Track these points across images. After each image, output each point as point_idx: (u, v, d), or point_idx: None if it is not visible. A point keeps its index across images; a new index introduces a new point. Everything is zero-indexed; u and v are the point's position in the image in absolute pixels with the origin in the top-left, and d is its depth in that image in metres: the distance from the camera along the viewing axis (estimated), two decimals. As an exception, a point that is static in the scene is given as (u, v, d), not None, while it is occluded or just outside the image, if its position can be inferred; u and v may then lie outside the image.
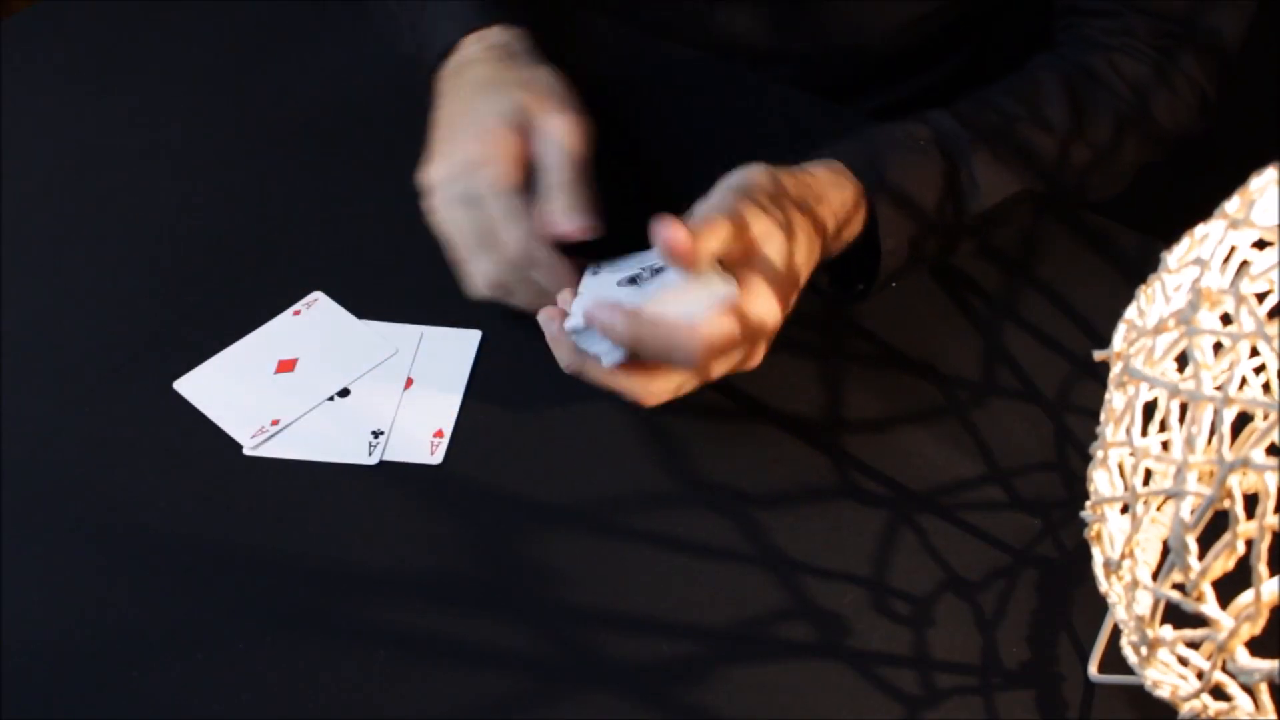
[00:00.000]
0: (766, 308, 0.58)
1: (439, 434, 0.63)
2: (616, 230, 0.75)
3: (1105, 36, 0.74)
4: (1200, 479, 0.46)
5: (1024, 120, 0.69)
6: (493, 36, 0.70)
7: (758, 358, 0.60)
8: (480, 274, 0.63)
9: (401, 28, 0.75)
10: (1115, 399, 0.50)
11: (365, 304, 0.69)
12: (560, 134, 0.63)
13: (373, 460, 0.62)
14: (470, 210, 0.62)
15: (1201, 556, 0.42)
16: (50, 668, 0.55)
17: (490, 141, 0.62)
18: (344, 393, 0.65)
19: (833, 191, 0.63)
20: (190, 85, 0.84)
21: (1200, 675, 0.45)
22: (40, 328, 0.69)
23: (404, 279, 0.71)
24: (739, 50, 0.87)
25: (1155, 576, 0.46)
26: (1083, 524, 0.51)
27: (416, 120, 0.75)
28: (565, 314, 0.59)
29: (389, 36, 0.77)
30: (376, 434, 0.63)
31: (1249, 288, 0.43)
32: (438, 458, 0.63)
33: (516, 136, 0.63)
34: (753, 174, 0.61)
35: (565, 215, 0.61)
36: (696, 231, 0.56)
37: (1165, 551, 0.52)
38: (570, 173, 0.62)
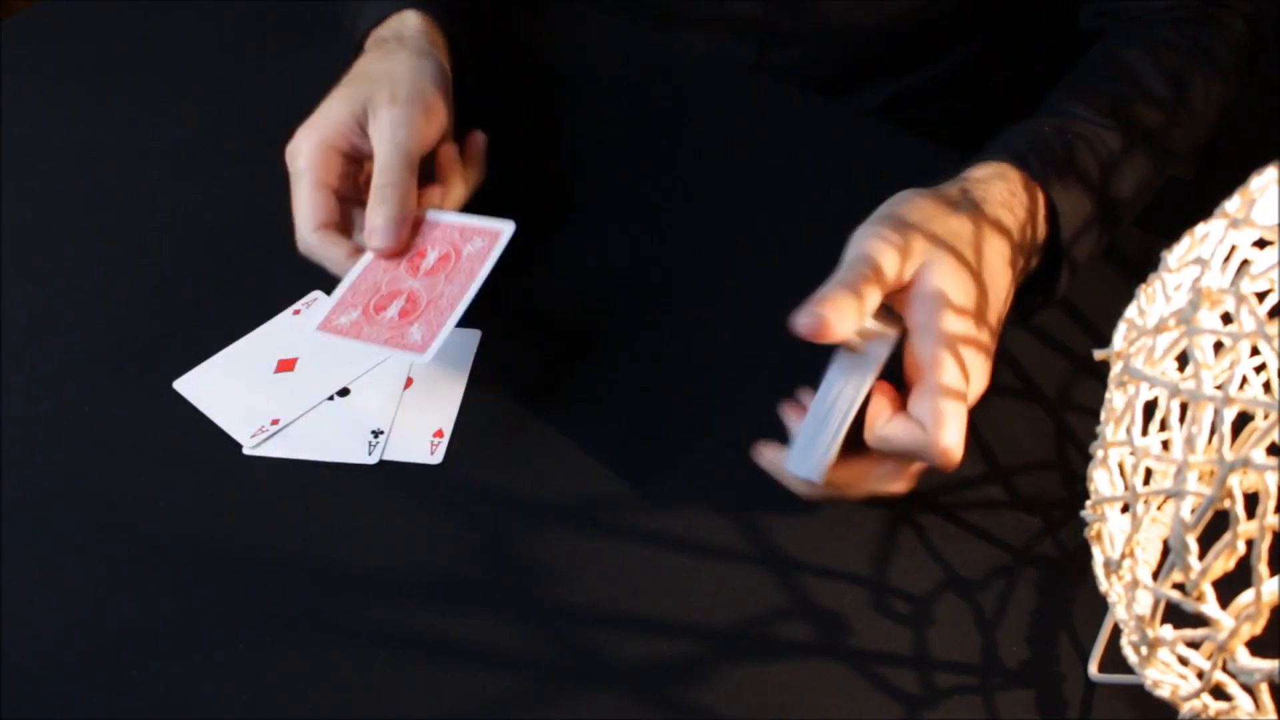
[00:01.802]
0: (965, 381, 0.55)
1: (439, 434, 0.63)
2: (611, 226, 0.75)
3: (1157, 14, 0.75)
4: (1200, 478, 0.46)
5: (1156, 104, 0.69)
6: (387, 27, 0.73)
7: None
8: None
9: (344, 24, 0.78)
10: (1115, 398, 0.50)
11: (365, 304, 0.69)
12: (384, 131, 0.66)
13: (373, 460, 0.62)
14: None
15: (1202, 556, 0.42)
16: (50, 668, 0.55)
17: (311, 136, 0.66)
18: (344, 392, 0.65)
19: (1014, 201, 0.61)
20: (190, 85, 0.84)
21: (1200, 675, 0.45)
22: (40, 328, 0.69)
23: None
24: (748, 31, 0.87)
25: (1155, 576, 0.46)
26: (1083, 523, 0.51)
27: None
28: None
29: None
30: (376, 434, 0.63)
31: (1249, 287, 0.43)
32: (438, 457, 0.63)
33: (343, 134, 0.66)
34: (905, 207, 0.58)
35: (372, 232, 0.65)
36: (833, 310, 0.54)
37: (1165, 551, 0.52)
38: (388, 174, 0.65)
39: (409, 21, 0.73)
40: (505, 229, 0.65)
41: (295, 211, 0.66)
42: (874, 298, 0.55)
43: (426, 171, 0.69)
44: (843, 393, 0.56)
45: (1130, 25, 0.75)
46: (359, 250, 0.66)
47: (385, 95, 0.66)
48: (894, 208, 0.58)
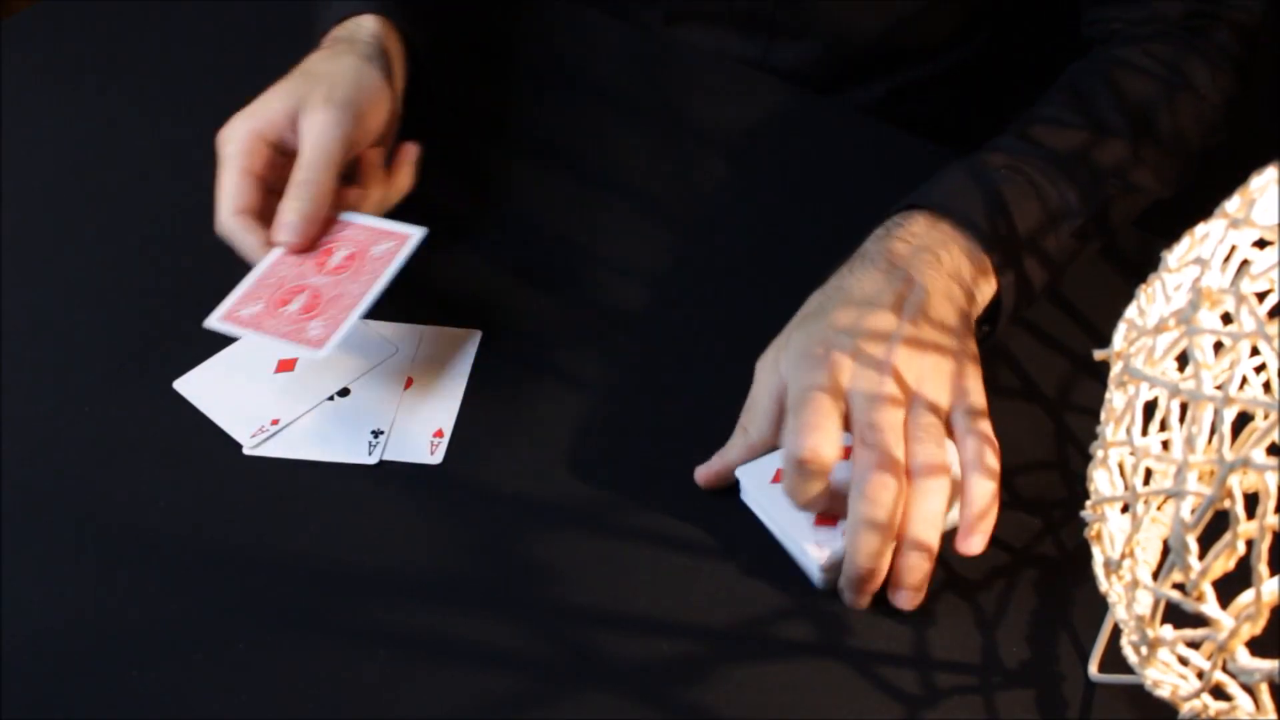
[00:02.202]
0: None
1: (439, 434, 0.63)
2: (612, 226, 0.75)
3: (1134, 28, 0.74)
4: (1200, 479, 0.46)
5: (1088, 131, 0.68)
6: (343, 29, 0.73)
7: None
8: None
9: (312, 17, 0.78)
10: (1115, 398, 0.50)
11: (365, 304, 0.69)
12: (312, 130, 0.66)
13: (373, 460, 0.62)
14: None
15: (1202, 556, 0.42)
16: (50, 668, 0.55)
17: (244, 124, 0.67)
18: (344, 393, 0.65)
19: (954, 280, 0.63)
20: (190, 85, 0.84)
21: (1200, 675, 0.45)
22: (40, 328, 0.69)
23: (404, 279, 0.71)
24: (756, 27, 0.87)
25: (1155, 576, 0.46)
26: (1083, 523, 0.51)
27: (414, 120, 0.75)
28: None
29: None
30: (376, 434, 0.63)
31: (1249, 287, 0.43)
32: (438, 457, 0.63)
33: (275, 127, 0.67)
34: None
35: (281, 226, 0.65)
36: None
37: (1165, 551, 0.52)
38: (307, 171, 0.66)
39: (364, 25, 0.73)
40: (414, 234, 0.66)
41: (217, 194, 0.67)
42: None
43: (351, 176, 0.69)
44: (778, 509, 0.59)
45: (1109, 40, 0.75)
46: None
47: (320, 95, 0.67)
48: (791, 331, 0.62)
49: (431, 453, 0.63)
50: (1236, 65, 0.74)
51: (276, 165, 0.68)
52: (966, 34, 0.88)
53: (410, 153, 0.71)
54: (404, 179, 0.71)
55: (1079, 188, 0.66)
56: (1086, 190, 0.67)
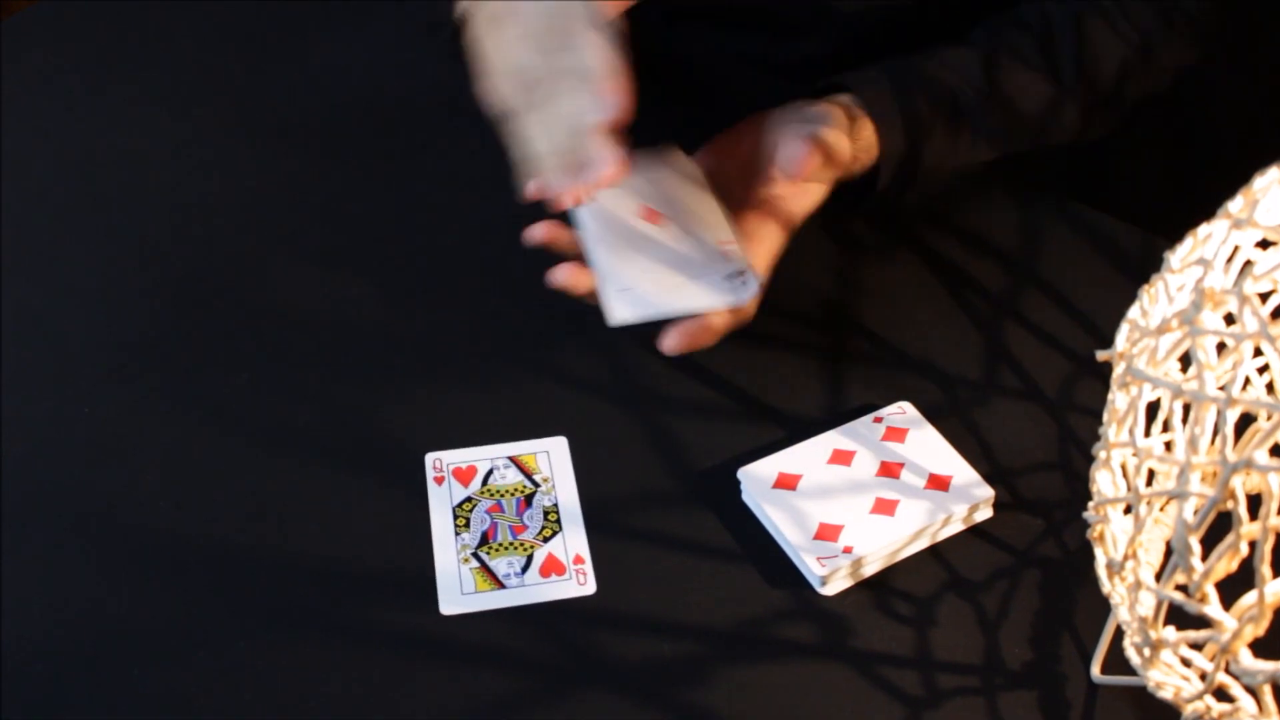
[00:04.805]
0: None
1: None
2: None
3: None
4: (1203, 480, 0.46)
5: (1039, 70, 0.72)
6: None
7: None
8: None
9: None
10: (1118, 399, 0.49)
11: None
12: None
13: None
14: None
15: (1205, 557, 0.42)
16: (50, 668, 0.55)
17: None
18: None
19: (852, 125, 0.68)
20: (190, 85, 0.84)
21: (1203, 676, 0.45)
22: (40, 328, 0.69)
23: (405, 281, 0.71)
24: (759, 25, 0.87)
25: (1158, 577, 0.46)
26: (1085, 524, 0.51)
27: (416, 120, 0.75)
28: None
29: None
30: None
31: (1252, 288, 0.43)
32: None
33: None
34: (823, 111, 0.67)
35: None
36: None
37: (1168, 552, 0.52)
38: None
39: None
40: None
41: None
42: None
43: None
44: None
45: None
46: None
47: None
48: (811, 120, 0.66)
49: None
50: (1195, 34, 0.75)
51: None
52: (963, 23, 0.88)
53: None
54: None
55: (999, 143, 0.72)
56: (1004, 143, 0.72)
